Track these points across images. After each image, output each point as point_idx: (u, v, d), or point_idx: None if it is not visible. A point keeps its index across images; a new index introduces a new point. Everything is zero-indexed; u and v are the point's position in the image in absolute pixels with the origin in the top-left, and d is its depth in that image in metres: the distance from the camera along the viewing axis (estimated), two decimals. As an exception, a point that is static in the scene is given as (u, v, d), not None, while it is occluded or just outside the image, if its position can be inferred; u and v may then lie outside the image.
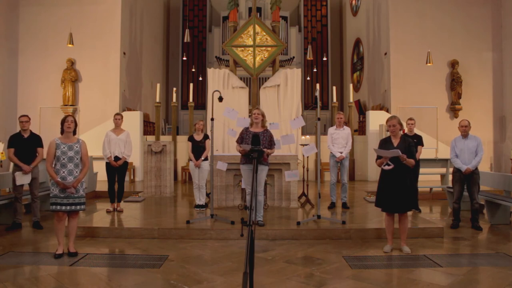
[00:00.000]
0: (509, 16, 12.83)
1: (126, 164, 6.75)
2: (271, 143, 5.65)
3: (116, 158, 6.61)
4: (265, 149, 5.42)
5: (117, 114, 6.86)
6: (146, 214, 6.68)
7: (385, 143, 4.76)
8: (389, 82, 13.38)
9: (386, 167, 4.61)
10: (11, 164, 6.35)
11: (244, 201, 6.91)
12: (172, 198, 8.36)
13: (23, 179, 5.83)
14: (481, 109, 13.12)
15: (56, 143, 4.49)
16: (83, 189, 4.60)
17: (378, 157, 4.72)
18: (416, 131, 7.31)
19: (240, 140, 5.67)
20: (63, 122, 4.57)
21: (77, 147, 4.55)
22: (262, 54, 10.85)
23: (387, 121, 4.78)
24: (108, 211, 6.62)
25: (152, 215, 6.54)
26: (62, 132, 4.59)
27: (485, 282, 3.81)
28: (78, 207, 4.53)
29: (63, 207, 4.45)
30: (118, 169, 6.65)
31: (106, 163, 6.64)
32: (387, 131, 4.83)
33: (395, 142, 4.69)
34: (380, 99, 14.40)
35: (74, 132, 4.65)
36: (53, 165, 4.49)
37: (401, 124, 4.74)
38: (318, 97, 6.07)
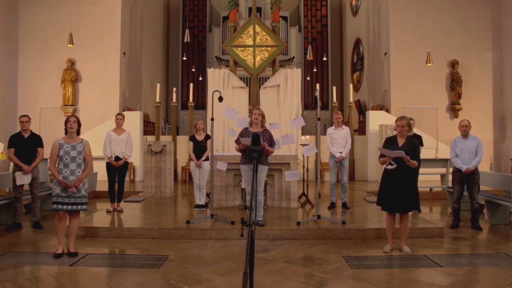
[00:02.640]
0: (509, 16, 12.83)
1: (126, 164, 6.75)
2: (271, 143, 5.65)
3: (117, 158, 6.61)
4: (264, 143, 5.39)
5: (118, 114, 6.86)
6: (146, 214, 6.68)
7: (390, 142, 4.75)
8: (389, 82, 13.38)
9: (389, 167, 4.61)
10: (11, 164, 6.35)
11: (244, 201, 6.91)
12: (172, 198, 8.36)
13: (23, 179, 5.84)
14: (481, 109, 13.12)
15: (59, 143, 4.53)
16: (85, 189, 4.61)
17: (382, 155, 4.72)
18: (416, 131, 7.31)
19: (239, 141, 5.66)
20: (66, 122, 4.62)
21: (80, 147, 4.57)
22: (262, 54, 10.85)
23: (396, 120, 4.76)
24: (108, 211, 6.62)
25: (152, 215, 6.54)
26: (66, 132, 4.63)
27: (485, 282, 3.81)
28: (79, 206, 4.54)
29: (65, 207, 4.47)
30: (118, 169, 6.65)
31: (107, 163, 6.64)
32: (395, 129, 4.82)
33: (401, 142, 4.69)
34: (380, 99, 14.40)
35: (78, 132, 4.67)
36: (56, 165, 4.51)
37: (409, 126, 4.74)
38: (318, 97, 6.08)
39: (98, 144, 7.49)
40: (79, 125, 4.67)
